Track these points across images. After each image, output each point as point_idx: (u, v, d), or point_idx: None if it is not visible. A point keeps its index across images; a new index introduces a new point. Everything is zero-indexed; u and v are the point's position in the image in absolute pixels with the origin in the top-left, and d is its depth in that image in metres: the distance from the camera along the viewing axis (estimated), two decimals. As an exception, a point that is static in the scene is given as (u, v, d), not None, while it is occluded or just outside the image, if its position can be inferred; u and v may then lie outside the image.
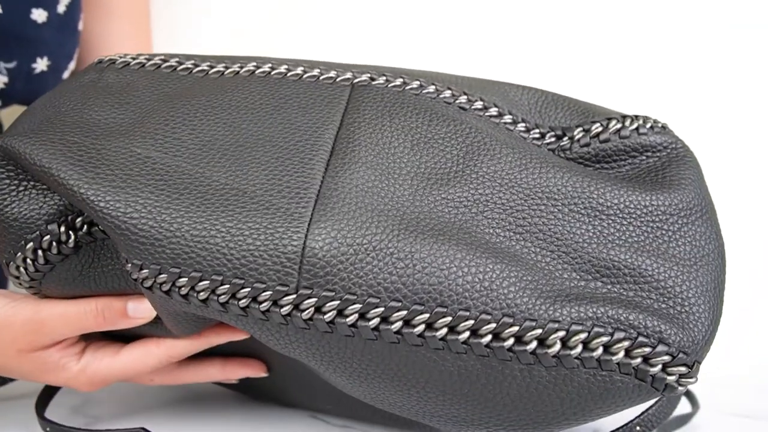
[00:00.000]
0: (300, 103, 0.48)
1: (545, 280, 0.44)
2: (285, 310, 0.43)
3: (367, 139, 0.47)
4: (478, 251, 0.44)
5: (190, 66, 0.51)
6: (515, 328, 0.43)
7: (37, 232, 0.48)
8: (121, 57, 0.52)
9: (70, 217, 0.48)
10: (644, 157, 0.49)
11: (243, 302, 0.44)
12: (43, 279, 0.49)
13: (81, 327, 0.49)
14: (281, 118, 0.48)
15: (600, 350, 0.43)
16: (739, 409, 0.61)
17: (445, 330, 0.43)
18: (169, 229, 0.44)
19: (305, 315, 0.43)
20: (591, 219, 0.46)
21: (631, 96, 0.75)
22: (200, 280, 0.44)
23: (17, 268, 0.49)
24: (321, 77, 0.50)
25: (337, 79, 0.50)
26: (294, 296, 0.43)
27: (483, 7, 0.80)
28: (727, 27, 0.76)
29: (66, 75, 0.68)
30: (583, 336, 0.42)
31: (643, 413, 0.51)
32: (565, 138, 0.49)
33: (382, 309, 0.43)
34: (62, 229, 0.48)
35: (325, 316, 0.43)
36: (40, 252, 0.48)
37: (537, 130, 0.50)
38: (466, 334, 0.43)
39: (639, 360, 0.43)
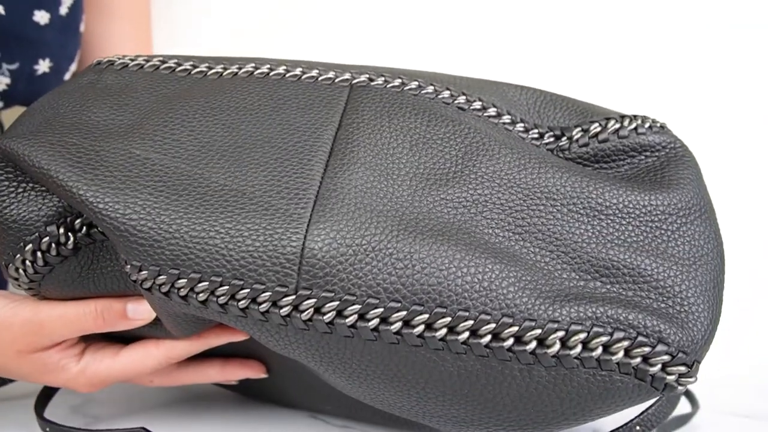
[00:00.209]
0: (299, 104, 0.48)
1: (544, 280, 0.44)
2: (284, 311, 0.43)
3: (366, 139, 0.47)
4: (478, 251, 0.44)
5: (188, 67, 0.51)
6: (515, 328, 0.43)
7: (36, 234, 0.48)
8: (119, 58, 0.52)
9: (69, 219, 0.48)
10: (643, 157, 0.49)
11: (242, 303, 0.44)
12: (42, 281, 0.49)
13: (80, 328, 0.49)
14: (280, 119, 0.48)
15: (599, 350, 0.43)
16: (739, 409, 0.61)
17: (444, 330, 0.43)
18: (168, 230, 0.44)
19: (305, 316, 0.43)
20: (590, 219, 0.46)
21: (630, 96, 0.75)
22: (199, 281, 0.44)
23: (16, 269, 0.48)
24: (319, 78, 0.50)
25: (336, 80, 0.50)
26: (293, 297, 0.43)
27: (482, 7, 0.80)
28: (726, 27, 0.76)
29: (68, 76, 0.68)
30: (582, 336, 0.42)
31: (642, 413, 0.51)
32: (564, 138, 0.49)
33: (381, 309, 0.43)
34: (61, 230, 0.48)
35: (325, 317, 0.43)
36: (39, 254, 0.48)
37: (536, 130, 0.50)
38: (466, 334, 0.43)
39: (638, 360, 0.43)
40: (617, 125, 0.49)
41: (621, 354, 0.43)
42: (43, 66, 0.64)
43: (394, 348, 0.44)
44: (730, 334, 0.55)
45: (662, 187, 0.47)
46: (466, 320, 0.43)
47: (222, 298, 0.44)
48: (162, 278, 0.44)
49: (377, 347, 0.44)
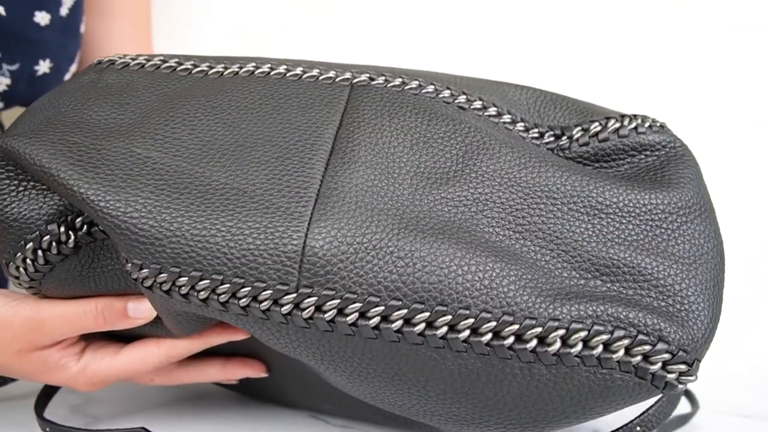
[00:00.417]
0: (299, 103, 0.49)
1: (545, 278, 0.44)
2: (285, 309, 0.43)
3: (366, 138, 0.47)
4: (478, 250, 0.44)
5: (189, 66, 0.51)
6: (515, 327, 0.43)
7: (37, 233, 0.48)
8: (120, 58, 0.52)
9: (69, 218, 0.48)
10: (643, 156, 0.49)
11: (243, 301, 0.44)
12: (42, 279, 0.49)
13: (81, 327, 0.49)
14: (281, 117, 0.48)
15: (600, 348, 0.43)
16: (739, 409, 0.61)
17: (445, 329, 0.43)
18: (170, 228, 0.44)
19: (305, 314, 0.43)
20: (590, 218, 0.46)
21: (629, 96, 0.75)
22: (200, 280, 0.44)
23: (17, 268, 0.49)
24: (320, 77, 0.50)
25: (336, 79, 0.50)
26: (294, 295, 0.43)
27: (482, 7, 0.80)
28: (726, 27, 0.76)
29: (68, 77, 0.68)
30: (583, 334, 0.42)
31: (643, 413, 0.51)
32: (564, 137, 0.49)
33: (382, 308, 0.43)
34: (62, 229, 0.48)
35: (326, 315, 0.43)
36: (39, 252, 0.48)
37: (536, 130, 0.50)
38: (467, 332, 0.43)
39: (639, 358, 0.43)
40: (617, 124, 0.49)
41: (621, 352, 0.43)
42: (44, 66, 0.65)
43: (395, 346, 0.44)
44: (729, 333, 0.55)
45: (662, 186, 0.47)
46: (466, 318, 0.43)
47: (223, 296, 0.44)
48: (163, 276, 0.44)
49: (378, 345, 0.44)
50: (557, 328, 0.43)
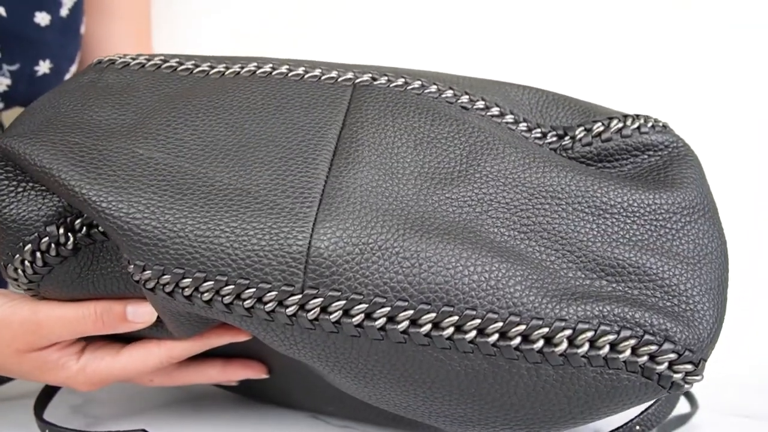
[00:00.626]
0: (302, 103, 0.48)
1: (551, 278, 0.44)
2: (290, 310, 0.43)
3: (370, 138, 0.47)
4: (484, 250, 0.44)
5: (190, 66, 0.51)
6: (522, 327, 0.42)
7: (36, 234, 0.47)
8: (120, 57, 0.52)
9: (69, 219, 0.47)
10: (646, 156, 0.49)
11: (248, 303, 0.43)
12: (41, 281, 0.48)
13: (79, 331, 0.49)
14: (284, 118, 0.48)
15: (607, 348, 0.43)
16: (738, 409, 0.61)
17: (451, 329, 0.43)
18: (173, 229, 0.44)
19: (311, 315, 0.43)
20: (595, 218, 0.46)
21: (630, 95, 0.75)
22: (204, 281, 0.43)
23: (15, 270, 0.48)
24: (322, 77, 0.50)
25: (339, 79, 0.49)
26: (299, 296, 0.43)
27: (483, 7, 0.80)
28: (727, 27, 0.76)
29: (68, 77, 0.68)
30: (589, 334, 0.42)
31: (642, 413, 0.51)
32: (567, 137, 0.49)
33: (388, 309, 0.43)
34: (61, 230, 0.47)
35: (331, 316, 0.43)
36: (38, 254, 0.47)
37: (538, 130, 0.50)
38: (473, 333, 0.43)
39: (645, 358, 0.43)
40: (620, 124, 0.49)
41: (628, 352, 0.43)
42: (44, 67, 0.64)
43: (401, 347, 0.43)
44: (730, 333, 0.55)
45: (666, 186, 0.47)
46: (473, 319, 0.42)
47: (227, 297, 0.43)
48: (166, 278, 0.44)
49: (384, 347, 0.43)
50: (564, 329, 0.42)
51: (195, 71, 0.51)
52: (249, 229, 0.43)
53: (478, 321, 0.42)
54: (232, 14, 0.80)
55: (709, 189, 0.49)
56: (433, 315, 0.43)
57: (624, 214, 0.46)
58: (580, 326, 0.42)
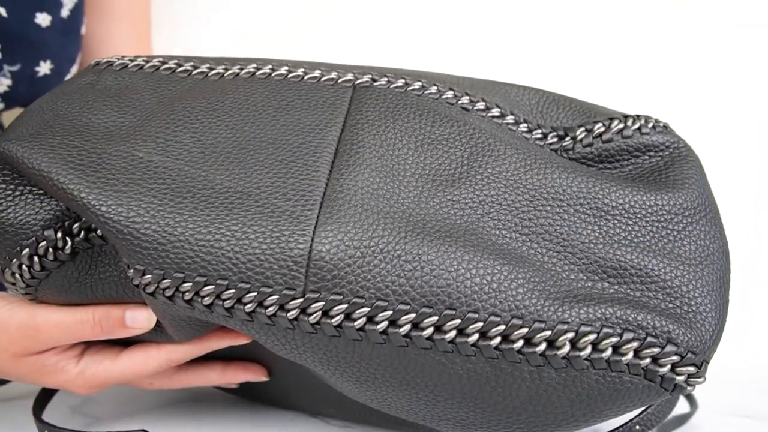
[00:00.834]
0: (302, 105, 0.48)
1: (553, 281, 0.44)
2: (292, 314, 0.43)
3: (370, 140, 0.46)
4: (486, 253, 0.44)
5: (189, 68, 0.50)
6: (524, 330, 0.42)
7: (33, 238, 0.47)
8: (118, 59, 0.51)
9: (67, 223, 0.47)
10: (647, 157, 0.49)
11: (249, 307, 0.43)
12: (39, 286, 0.48)
13: (77, 336, 0.49)
14: (283, 120, 0.47)
15: (609, 351, 0.42)
16: (738, 409, 0.61)
17: (454, 333, 0.42)
18: (173, 233, 0.43)
19: (312, 319, 0.43)
20: (597, 219, 0.46)
21: (630, 95, 0.75)
22: (205, 285, 0.43)
23: (12, 274, 0.48)
24: (322, 78, 0.49)
25: (339, 81, 0.49)
26: (301, 300, 0.42)
27: (483, 8, 0.79)
28: (727, 27, 0.76)
29: (68, 78, 0.68)
30: (592, 337, 0.42)
31: (642, 412, 0.51)
32: (568, 138, 0.49)
33: (390, 312, 0.42)
34: (59, 234, 0.47)
35: (333, 320, 0.43)
36: (36, 258, 0.47)
37: (539, 131, 0.49)
38: (476, 336, 0.42)
39: (648, 360, 0.43)
40: (621, 125, 0.49)
41: (631, 355, 0.42)
42: (44, 68, 0.64)
43: (403, 351, 0.43)
44: (730, 334, 0.55)
45: (667, 187, 0.47)
46: (475, 322, 0.42)
47: (228, 301, 0.43)
48: (166, 282, 0.43)
49: (386, 350, 0.43)
50: (566, 331, 0.42)
51: (194, 73, 0.50)
52: (250, 232, 0.43)
53: (481, 324, 0.42)
54: (232, 14, 0.80)
55: (710, 190, 0.49)
56: (435, 318, 0.42)
57: (625, 215, 0.46)
58: (583, 329, 0.42)
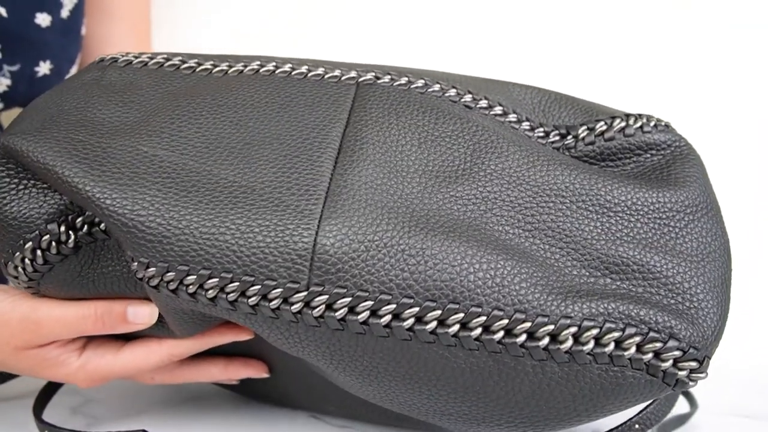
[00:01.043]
0: (306, 102, 0.48)
1: (556, 276, 0.44)
2: (295, 307, 0.43)
3: (374, 137, 0.47)
4: (489, 248, 0.44)
5: (193, 65, 0.51)
6: (527, 324, 0.42)
7: (37, 232, 0.47)
8: (122, 55, 0.52)
9: (70, 217, 0.47)
10: (649, 155, 0.49)
11: (253, 300, 0.43)
12: (41, 279, 0.48)
13: (79, 331, 0.48)
14: (287, 116, 0.48)
15: (612, 346, 0.43)
16: (738, 409, 0.61)
17: (457, 326, 0.43)
18: (178, 226, 0.43)
19: (316, 312, 0.43)
20: (599, 216, 0.46)
21: (632, 95, 0.76)
22: (209, 278, 0.43)
23: (15, 267, 0.48)
24: (326, 76, 0.50)
25: (342, 78, 0.49)
26: (305, 293, 0.43)
27: (486, 7, 0.80)
28: (728, 26, 0.77)
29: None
30: (595, 331, 0.42)
31: (641, 411, 0.51)
32: (569, 136, 0.49)
33: (394, 306, 0.43)
34: (62, 228, 0.47)
35: (337, 314, 0.43)
36: (39, 252, 0.47)
37: (541, 129, 0.50)
38: (479, 330, 0.43)
39: (650, 355, 0.43)
40: (623, 123, 0.49)
41: (633, 349, 0.43)
42: (44, 68, 0.64)
43: (407, 345, 0.43)
44: (730, 333, 0.55)
45: (669, 185, 0.47)
46: (479, 316, 0.42)
47: (232, 294, 0.43)
48: (170, 275, 0.43)
49: (389, 344, 0.43)
50: (569, 326, 0.42)
51: (198, 69, 0.50)
52: (254, 226, 0.43)
53: (484, 318, 0.42)
54: (232, 14, 0.80)
55: (712, 187, 0.49)
56: (439, 312, 0.42)
57: (628, 212, 0.46)
58: (586, 323, 0.43)
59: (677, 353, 0.43)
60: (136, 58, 0.51)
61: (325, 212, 0.44)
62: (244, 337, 0.49)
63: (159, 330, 0.50)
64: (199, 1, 0.81)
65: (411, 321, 0.43)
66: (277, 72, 0.50)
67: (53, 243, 0.47)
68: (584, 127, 0.49)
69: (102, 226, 0.47)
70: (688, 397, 0.59)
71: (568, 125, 0.50)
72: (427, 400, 0.46)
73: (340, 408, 0.55)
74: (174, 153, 0.46)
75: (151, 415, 0.56)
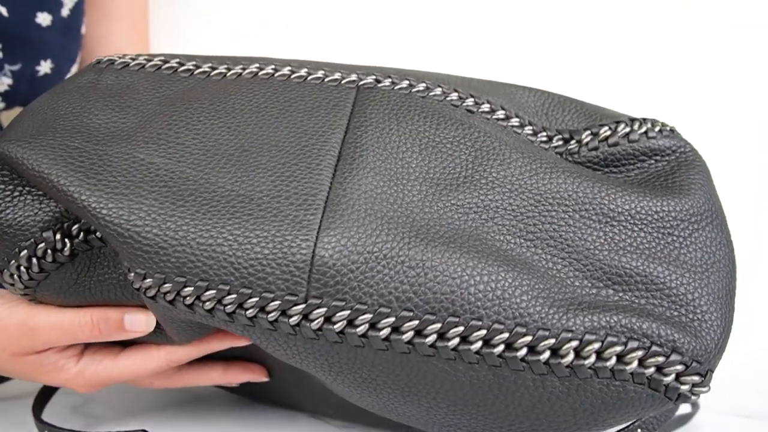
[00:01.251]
0: (305, 107, 0.47)
1: (557, 288, 0.43)
2: (294, 320, 0.42)
3: (374, 143, 0.46)
4: (490, 259, 0.43)
5: (191, 67, 0.50)
6: (528, 338, 0.42)
7: (32, 240, 0.46)
8: (119, 57, 0.51)
9: (65, 225, 0.46)
10: (653, 161, 0.48)
11: (250, 312, 0.43)
12: (37, 287, 0.47)
13: (75, 338, 0.48)
14: (286, 122, 0.47)
15: (613, 360, 0.42)
16: (739, 409, 0.60)
17: (457, 340, 0.42)
18: (174, 237, 0.43)
19: (314, 325, 0.42)
20: (602, 225, 0.45)
21: (638, 98, 0.75)
22: (206, 290, 0.42)
23: (11, 275, 0.47)
24: (325, 79, 0.49)
25: (342, 81, 0.49)
26: (303, 306, 0.42)
27: (488, 8, 0.79)
28: (737, 29, 0.76)
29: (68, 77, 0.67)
30: (596, 346, 0.42)
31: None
32: (573, 141, 0.48)
33: (393, 319, 0.42)
34: (57, 236, 0.46)
35: (335, 327, 0.42)
36: (34, 260, 0.46)
37: (544, 134, 0.49)
38: (479, 344, 0.42)
39: (653, 369, 0.42)
40: (627, 129, 0.48)
41: (635, 364, 0.42)
42: (45, 67, 0.64)
43: (406, 357, 0.43)
44: (731, 333, 0.55)
45: (673, 193, 0.47)
46: (479, 330, 0.42)
47: (229, 306, 0.43)
48: (167, 286, 0.43)
49: (388, 357, 0.43)
50: (571, 340, 0.42)
51: (196, 72, 0.50)
52: (252, 237, 0.43)
53: (484, 332, 0.42)
54: (232, 14, 0.79)
55: (717, 195, 0.48)
56: (439, 325, 0.42)
57: (631, 221, 0.46)
58: (587, 337, 0.42)
59: (680, 367, 0.42)
60: (133, 60, 0.50)
61: (323, 223, 0.43)
62: (242, 342, 0.49)
63: (157, 337, 0.49)
64: (199, 1, 0.80)
65: (410, 334, 0.42)
66: (276, 75, 0.49)
67: (49, 251, 0.46)
68: (588, 132, 0.49)
69: (98, 233, 0.46)
70: (690, 398, 0.59)
71: (572, 129, 0.49)
72: (426, 412, 0.46)
73: (340, 411, 0.54)
74: (171, 160, 0.45)
75: (151, 415, 0.56)
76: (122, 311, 0.47)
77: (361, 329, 0.42)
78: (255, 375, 0.53)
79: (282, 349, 0.44)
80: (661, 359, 0.42)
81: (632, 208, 0.46)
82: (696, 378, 0.43)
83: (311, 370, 0.45)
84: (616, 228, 0.45)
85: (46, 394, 0.54)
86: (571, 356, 0.42)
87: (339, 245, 0.42)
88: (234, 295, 0.42)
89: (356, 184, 0.44)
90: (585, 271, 0.44)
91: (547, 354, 0.42)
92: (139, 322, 0.47)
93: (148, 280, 0.43)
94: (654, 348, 0.42)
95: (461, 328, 0.42)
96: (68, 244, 0.46)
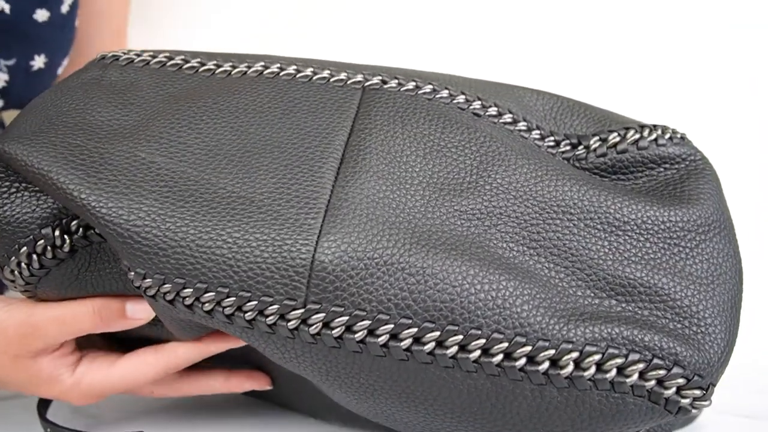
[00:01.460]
0: (309, 107, 0.47)
1: (559, 297, 0.43)
2: (292, 324, 0.42)
3: (378, 146, 0.45)
4: (491, 267, 0.43)
5: (195, 65, 0.49)
6: (528, 348, 0.42)
7: (31, 236, 0.46)
8: (124, 53, 0.50)
9: (64, 221, 0.46)
10: (662, 169, 0.47)
11: (249, 315, 0.42)
12: (38, 283, 0.47)
13: (77, 329, 0.48)
14: (290, 122, 0.46)
15: (614, 372, 0.42)
16: (739, 409, 0.60)
17: (455, 348, 0.42)
18: (174, 238, 0.43)
19: (313, 330, 0.42)
20: (607, 234, 0.45)
21: (647, 103, 0.74)
22: (205, 292, 0.42)
23: (12, 272, 0.47)
24: (331, 79, 0.48)
25: (348, 82, 0.48)
26: (302, 311, 0.42)
27: (493, 7, 0.78)
28: (726, 27, 0.75)
29: (60, 70, 0.67)
30: (597, 357, 0.41)
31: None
32: (581, 147, 0.48)
33: (391, 326, 0.42)
34: (57, 233, 0.46)
35: (333, 332, 0.42)
36: (34, 256, 0.46)
37: (552, 138, 0.48)
38: (477, 353, 0.42)
39: (653, 382, 0.42)
40: (637, 135, 0.47)
41: (635, 376, 0.42)
42: (39, 62, 0.64)
43: (404, 365, 0.43)
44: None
45: (681, 202, 0.46)
46: (478, 339, 0.42)
47: (228, 309, 0.42)
48: (167, 287, 0.43)
49: (386, 363, 0.43)
50: (571, 351, 0.41)
51: (200, 70, 0.49)
52: (252, 240, 0.42)
53: (483, 341, 0.42)
54: (232, 14, 0.79)
55: (726, 204, 0.47)
56: (437, 333, 0.42)
57: (637, 231, 0.45)
58: (588, 349, 0.42)
59: (681, 381, 0.42)
60: (138, 56, 0.50)
61: (324, 227, 0.43)
62: (241, 343, 0.49)
63: (157, 330, 0.49)
64: (199, 1, 0.80)
65: (409, 341, 0.42)
66: (281, 74, 0.48)
67: (48, 247, 0.46)
68: (596, 138, 0.48)
69: (102, 233, 0.46)
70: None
71: (580, 135, 0.48)
72: (423, 419, 0.45)
73: (342, 417, 0.54)
74: (172, 160, 0.45)
75: (150, 416, 0.56)
76: (124, 299, 0.47)
77: (359, 335, 0.42)
78: (258, 383, 0.52)
79: (280, 353, 0.44)
80: (662, 372, 0.42)
81: (639, 217, 0.45)
82: (697, 392, 0.42)
83: (308, 375, 0.45)
84: (622, 237, 0.45)
85: None
86: (570, 367, 0.42)
87: (339, 250, 0.42)
88: (233, 298, 0.42)
89: (358, 188, 0.44)
90: (588, 280, 0.44)
91: (546, 365, 0.42)
92: (141, 310, 0.47)
93: (148, 279, 0.43)
94: (656, 361, 0.42)
95: (460, 337, 0.42)
96: (67, 241, 0.46)
